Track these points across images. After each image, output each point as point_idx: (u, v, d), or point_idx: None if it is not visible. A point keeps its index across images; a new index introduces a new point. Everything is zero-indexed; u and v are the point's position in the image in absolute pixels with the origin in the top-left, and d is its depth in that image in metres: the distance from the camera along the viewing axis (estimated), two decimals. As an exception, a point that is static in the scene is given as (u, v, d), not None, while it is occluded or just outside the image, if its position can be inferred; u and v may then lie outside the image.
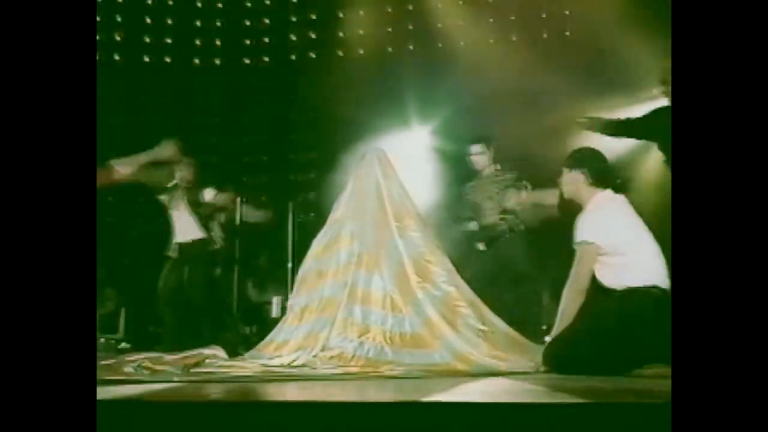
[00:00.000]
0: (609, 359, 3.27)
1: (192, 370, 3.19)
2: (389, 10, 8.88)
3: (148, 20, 9.13)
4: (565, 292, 3.52)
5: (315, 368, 3.36)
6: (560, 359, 3.38)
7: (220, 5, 9.37)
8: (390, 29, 8.90)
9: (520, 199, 5.10)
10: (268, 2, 9.39)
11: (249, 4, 9.39)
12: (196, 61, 9.28)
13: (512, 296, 5.06)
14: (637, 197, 3.93)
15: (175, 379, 2.96)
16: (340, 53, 8.98)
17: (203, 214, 5.83)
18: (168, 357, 3.49)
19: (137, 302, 7.45)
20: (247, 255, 6.45)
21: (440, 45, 8.48)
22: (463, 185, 5.59)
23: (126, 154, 5.45)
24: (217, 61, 9.33)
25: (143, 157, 3.60)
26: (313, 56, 9.19)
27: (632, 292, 3.38)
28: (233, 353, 3.84)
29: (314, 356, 3.49)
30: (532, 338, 4.09)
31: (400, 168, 4.29)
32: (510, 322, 3.99)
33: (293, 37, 9.31)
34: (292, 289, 4.29)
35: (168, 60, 9.15)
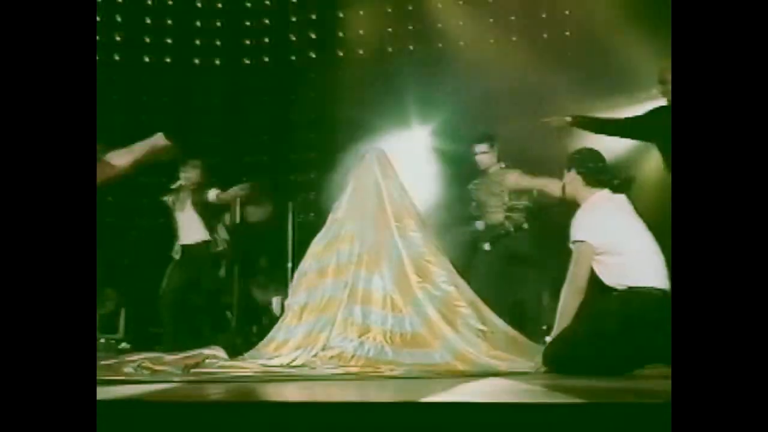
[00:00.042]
0: (609, 359, 3.27)
1: (192, 371, 3.19)
2: (389, 10, 8.89)
3: (148, 20, 9.13)
4: (564, 292, 3.53)
5: (315, 368, 3.36)
6: (560, 359, 3.38)
7: (220, 5, 9.37)
8: (390, 29, 8.90)
9: (517, 180, 5.07)
10: (268, 2, 9.40)
11: (249, 4, 9.40)
12: (196, 61, 9.29)
13: (515, 295, 5.06)
14: (638, 197, 3.93)
15: (175, 379, 2.96)
16: (340, 53, 8.99)
17: (209, 215, 5.81)
18: (168, 357, 3.49)
19: (137, 302, 7.46)
20: (247, 255, 6.45)
21: (440, 45, 8.49)
22: (467, 184, 5.58)
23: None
24: (217, 61, 9.33)
25: (137, 148, 3.59)
26: (313, 56, 9.20)
27: (632, 293, 3.39)
28: (233, 353, 3.84)
29: (314, 356, 3.50)
30: (532, 338, 4.09)
31: (400, 168, 4.30)
32: (511, 322, 3.99)
33: (293, 37, 9.31)
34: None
35: (168, 60, 9.16)
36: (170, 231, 5.90)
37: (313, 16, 9.25)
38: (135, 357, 3.49)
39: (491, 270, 5.09)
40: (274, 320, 5.09)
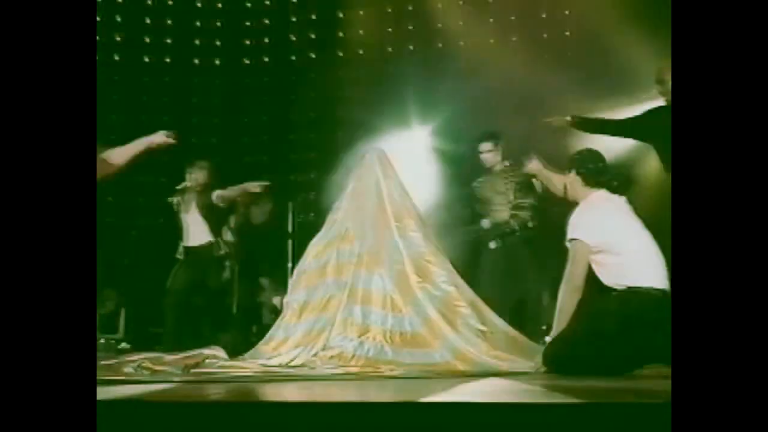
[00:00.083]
0: (609, 359, 3.28)
1: (192, 371, 3.19)
2: (389, 10, 8.87)
3: (148, 20, 9.12)
4: (561, 291, 3.54)
5: (315, 368, 3.36)
6: (560, 359, 3.38)
7: (220, 5, 9.36)
8: (390, 29, 8.89)
9: (539, 168, 4.89)
10: (268, 2, 9.39)
11: (249, 4, 9.38)
12: (196, 61, 9.28)
13: (520, 294, 5.05)
14: (638, 197, 3.93)
15: (175, 379, 2.96)
16: (340, 53, 8.98)
17: (214, 217, 5.79)
18: (168, 357, 3.49)
19: (137, 302, 7.46)
20: (247, 255, 6.45)
21: (440, 45, 8.47)
22: (467, 184, 5.57)
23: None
24: (217, 61, 9.32)
25: (136, 146, 3.58)
26: (313, 56, 9.18)
27: (632, 293, 3.39)
28: (233, 353, 3.84)
29: (314, 356, 3.50)
30: (532, 338, 4.09)
31: (400, 168, 4.29)
32: (513, 322, 3.99)
33: (293, 37, 9.30)
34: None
35: (168, 60, 9.15)
36: (171, 231, 5.88)
37: (313, 16, 9.24)
38: (135, 357, 3.49)
39: (496, 268, 5.08)
40: (274, 321, 5.09)
